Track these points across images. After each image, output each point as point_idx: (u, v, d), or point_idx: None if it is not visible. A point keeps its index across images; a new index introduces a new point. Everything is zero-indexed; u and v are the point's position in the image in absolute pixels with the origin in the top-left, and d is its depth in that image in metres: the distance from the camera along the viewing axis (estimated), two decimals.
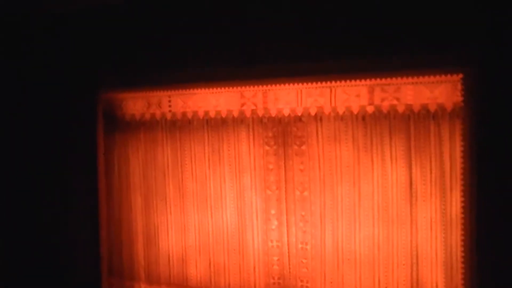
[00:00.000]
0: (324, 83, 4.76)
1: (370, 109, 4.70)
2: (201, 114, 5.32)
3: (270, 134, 5.07)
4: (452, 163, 4.50)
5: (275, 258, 5.14)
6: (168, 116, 5.46)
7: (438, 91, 4.48)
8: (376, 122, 4.70)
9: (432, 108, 4.52)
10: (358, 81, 4.65)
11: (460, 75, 4.28)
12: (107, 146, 5.59)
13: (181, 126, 5.42)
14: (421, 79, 4.48)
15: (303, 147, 4.96)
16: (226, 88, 5.15)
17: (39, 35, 5.37)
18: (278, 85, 4.96)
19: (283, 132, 5.02)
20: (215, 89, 5.19)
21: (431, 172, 4.59)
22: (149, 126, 5.55)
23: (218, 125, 5.27)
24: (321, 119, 4.88)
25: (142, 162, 5.64)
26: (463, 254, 4.28)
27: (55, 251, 5.52)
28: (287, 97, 4.98)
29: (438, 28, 4.07)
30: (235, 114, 5.19)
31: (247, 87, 5.09)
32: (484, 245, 4.06)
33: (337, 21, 4.37)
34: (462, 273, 4.31)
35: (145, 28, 5.03)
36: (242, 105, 5.15)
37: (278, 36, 4.55)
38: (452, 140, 4.49)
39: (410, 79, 4.51)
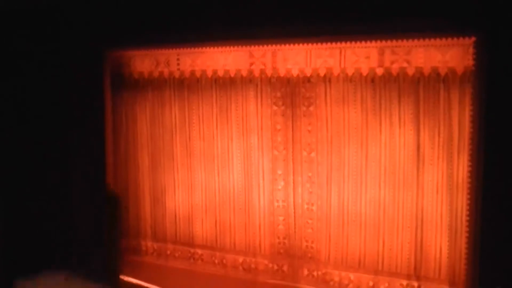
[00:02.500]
0: (333, 44, 4.69)
1: (379, 71, 4.66)
2: (209, 73, 5.30)
3: (279, 95, 5.05)
4: (460, 128, 4.48)
5: (281, 218, 5.17)
6: (177, 74, 5.44)
7: (449, 54, 4.43)
8: (385, 85, 4.67)
9: (443, 71, 4.48)
10: (368, 43, 4.59)
11: (473, 39, 4.21)
12: (115, 105, 5.57)
13: (189, 85, 5.41)
14: (432, 41, 4.42)
15: (311, 108, 4.94)
16: (235, 47, 5.12)
17: None
18: (287, 45, 4.91)
19: (292, 92, 4.99)
20: (224, 48, 5.15)
21: (439, 136, 4.57)
22: (157, 84, 5.54)
23: (226, 84, 5.25)
24: (330, 80, 4.85)
25: (149, 121, 5.65)
26: (468, 218, 4.28)
27: (62, 210, 5.55)
28: (296, 58, 4.94)
29: None
30: (244, 73, 5.16)
31: (256, 47, 5.05)
32: (489, 209, 4.06)
33: None
34: (466, 237, 4.31)
35: None
36: (251, 64, 5.12)
37: None
38: (462, 105, 4.46)
39: (421, 42, 4.45)
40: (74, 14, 5.28)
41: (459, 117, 4.49)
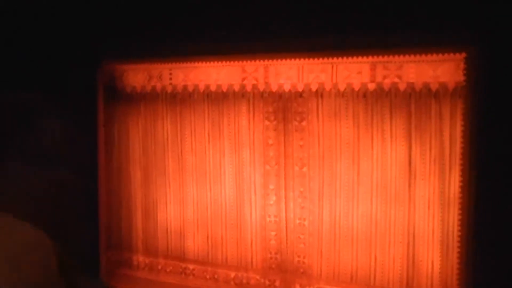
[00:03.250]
0: (325, 59, 4.72)
1: (371, 86, 4.68)
2: (202, 87, 5.30)
3: (271, 109, 5.06)
4: (452, 143, 4.49)
5: (273, 233, 5.16)
6: (169, 89, 5.44)
7: (441, 70, 4.45)
8: (377, 100, 4.68)
9: (434, 87, 4.50)
10: (360, 58, 4.62)
11: (464, 54, 4.25)
12: (107, 118, 5.58)
13: (181, 99, 5.40)
14: (423, 57, 4.45)
15: (303, 123, 4.95)
16: (228, 62, 5.12)
17: (40, 4, 5.33)
18: (279, 60, 4.92)
19: (284, 107, 5.00)
20: (216, 62, 5.15)
21: (430, 151, 4.58)
22: (149, 98, 5.54)
23: (218, 99, 5.25)
24: (322, 95, 4.86)
25: (142, 135, 5.64)
26: (459, 234, 4.29)
27: (53, 224, 5.52)
28: (288, 73, 4.95)
29: (442, 5, 4.03)
30: (236, 88, 5.16)
31: (249, 62, 5.06)
32: (481, 225, 4.07)
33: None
34: (458, 252, 4.33)
35: (144, 3, 5.00)
36: (243, 79, 5.13)
37: (280, 10, 4.51)
38: (453, 120, 4.47)
39: (412, 57, 4.47)
40: (67, 26, 5.30)
41: (451, 132, 4.50)
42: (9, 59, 5.32)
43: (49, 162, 5.43)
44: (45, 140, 5.46)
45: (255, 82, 5.09)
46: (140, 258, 5.78)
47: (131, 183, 5.76)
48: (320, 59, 4.74)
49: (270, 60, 4.97)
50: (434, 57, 4.42)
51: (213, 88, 5.25)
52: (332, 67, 4.79)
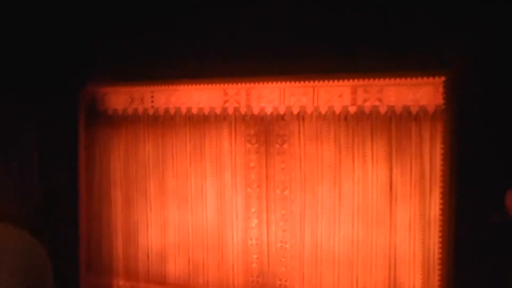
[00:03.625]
0: (307, 83, 4.77)
1: (352, 109, 4.72)
2: (183, 110, 5.30)
3: (252, 132, 5.07)
4: (432, 165, 4.53)
5: (254, 256, 5.13)
6: (151, 111, 5.43)
7: (420, 93, 4.51)
8: (358, 123, 4.72)
9: (414, 110, 4.55)
10: (341, 81, 4.67)
11: (442, 78, 4.31)
12: (89, 141, 5.56)
13: (163, 122, 5.40)
14: (403, 80, 4.52)
15: (285, 146, 4.96)
16: (209, 85, 5.14)
17: (22, 27, 5.31)
18: (261, 83, 4.95)
19: (265, 130, 5.01)
20: (198, 85, 5.18)
21: (411, 174, 4.61)
22: (131, 121, 5.52)
23: (200, 121, 5.25)
24: (303, 118, 4.89)
25: (123, 158, 5.61)
26: (440, 256, 4.31)
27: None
28: (270, 96, 4.98)
29: (421, 31, 4.09)
30: (218, 111, 5.18)
31: (231, 85, 5.08)
32: (461, 247, 4.09)
33: (321, 21, 4.38)
34: (439, 274, 4.34)
35: (129, 23, 5.00)
36: (225, 102, 5.14)
37: (261, 34, 4.55)
38: (433, 142, 4.52)
39: (392, 81, 4.54)
40: (50, 49, 5.29)
41: (431, 155, 4.54)
42: None
43: (28, 183, 5.40)
44: (24, 161, 5.42)
45: (237, 105, 5.10)
46: (120, 282, 5.71)
47: (112, 206, 5.71)
48: (302, 82, 4.78)
49: (251, 83, 5.00)
50: (414, 80, 4.49)
51: (194, 111, 5.26)
52: (314, 90, 4.82)
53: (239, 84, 5.05)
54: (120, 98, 5.57)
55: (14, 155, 5.39)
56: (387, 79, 4.55)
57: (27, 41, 5.31)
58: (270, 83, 4.91)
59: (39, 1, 5.12)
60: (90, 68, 5.29)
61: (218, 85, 5.11)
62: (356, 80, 4.63)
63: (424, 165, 4.57)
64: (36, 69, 5.30)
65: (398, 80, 4.52)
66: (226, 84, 5.09)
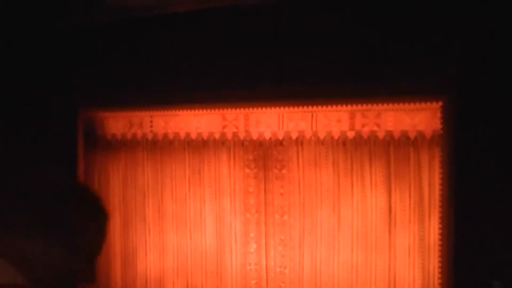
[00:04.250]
0: (305, 108, 4.80)
1: (350, 134, 4.74)
2: (182, 135, 5.32)
3: (251, 157, 5.08)
4: (430, 190, 4.54)
5: (253, 282, 5.11)
6: (150, 136, 5.44)
7: (418, 118, 4.54)
8: (357, 148, 4.74)
9: (412, 135, 4.58)
10: (339, 107, 4.70)
11: (440, 103, 4.33)
12: (87, 165, 5.54)
13: (162, 147, 5.41)
14: (401, 106, 4.54)
15: (284, 171, 4.97)
16: (208, 110, 5.17)
17: (21, 50, 5.34)
18: (260, 108, 4.97)
19: (264, 155, 5.03)
20: (197, 111, 5.20)
21: (410, 198, 4.62)
22: (130, 146, 5.53)
23: (199, 146, 5.26)
24: (302, 143, 4.91)
25: (122, 182, 5.60)
26: (440, 281, 4.29)
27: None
28: (268, 121, 5.01)
29: (418, 56, 4.11)
30: (217, 136, 5.19)
31: (229, 110, 5.10)
32: (460, 272, 4.07)
33: (319, 46, 4.40)
34: None
35: (128, 48, 5.02)
36: (224, 127, 5.16)
37: (259, 59, 4.56)
38: (431, 167, 4.54)
39: (390, 106, 4.57)
40: (49, 73, 5.30)
41: (429, 179, 4.56)
42: None
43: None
44: (23, 187, 5.39)
45: (235, 130, 5.12)
46: None
47: (110, 230, 5.69)
48: (300, 108, 4.81)
49: (250, 108, 5.02)
50: (412, 105, 4.51)
51: (193, 136, 5.27)
52: (312, 115, 4.85)
53: (237, 110, 5.06)
54: (119, 123, 5.58)
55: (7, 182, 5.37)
56: (385, 104, 4.57)
57: (24, 63, 5.34)
58: (268, 108, 4.94)
59: (36, 24, 5.15)
60: (88, 93, 5.29)
61: (216, 110, 5.14)
62: (354, 106, 4.66)
63: (422, 189, 4.58)
64: (34, 94, 5.32)
65: (395, 105, 4.55)
66: (225, 110, 5.11)
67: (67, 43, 5.22)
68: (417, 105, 4.47)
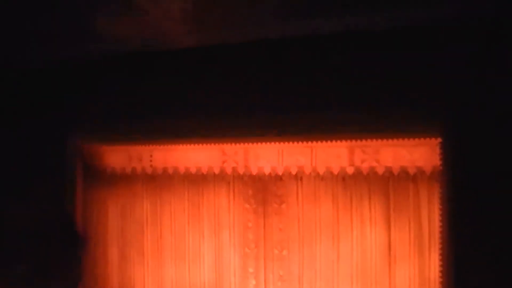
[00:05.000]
0: (305, 143, 4.80)
1: (350, 170, 4.75)
2: (181, 169, 5.31)
3: (250, 192, 5.08)
4: (430, 225, 4.54)
5: None
6: (149, 170, 5.44)
7: (417, 154, 4.55)
8: (356, 183, 4.74)
9: (411, 171, 4.59)
10: (338, 142, 4.70)
11: (439, 139, 4.33)
12: (86, 198, 5.53)
13: (161, 181, 5.41)
14: (400, 141, 4.55)
15: (283, 206, 4.97)
16: (208, 145, 5.17)
17: (19, 84, 5.36)
18: (259, 143, 4.99)
19: (263, 190, 5.03)
20: (196, 145, 5.20)
21: (409, 234, 4.61)
22: (129, 180, 5.52)
23: (198, 181, 5.26)
24: (301, 179, 4.92)
25: (120, 216, 5.59)
26: None
27: None
28: (268, 156, 5.01)
29: (417, 92, 4.13)
30: (216, 170, 5.19)
31: (229, 145, 5.11)
32: None
33: (317, 83, 4.42)
34: None
35: (127, 81, 5.05)
36: (223, 162, 5.17)
37: (259, 94, 4.58)
38: (431, 203, 4.54)
39: (390, 142, 4.57)
40: (47, 107, 5.31)
41: (429, 215, 4.56)
42: None
43: (27, 241, 5.35)
44: (23, 219, 5.38)
45: (235, 165, 5.13)
46: None
47: (108, 264, 5.65)
48: (300, 143, 4.81)
49: (249, 143, 5.03)
50: (411, 141, 4.52)
51: (193, 170, 5.27)
52: (312, 150, 4.86)
53: (237, 144, 5.08)
54: (118, 156, 5.58)
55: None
56: (384, 140, 4.58)
57: (22, 96, 5.35)
58: (268, 143, 4.95)
59: (35, 55, 5.18)
60: (87, 126, 5.30)
61: (216, 145, 5.14)
62: (353, 141, 4.67)
63: (422, 225, 4.58)
64: (31, 124, 5.33)
65: (395, 141, 4.56)
66: (224, 144, 5.12)
67: (66, 76, 5.25)
68: (416, 141, 4.49)
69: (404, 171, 4.60)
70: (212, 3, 4.30)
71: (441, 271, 4.25)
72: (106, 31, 4.60)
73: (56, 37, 4.81)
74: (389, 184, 4.65)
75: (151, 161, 5.43)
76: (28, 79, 5.37)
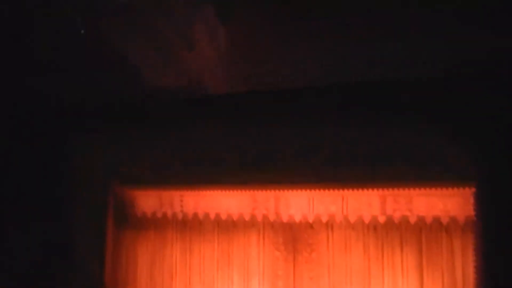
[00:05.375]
0: (336, 191, 4.78)
1: (382, 219, 4.69)
2: (212, 215, 5.30)
3: (281, 240, 5.05)
4: (465, 277, 4.44)
5: None
6: (180, 216, 5.44)
7: (450, 203, 4.48)
8: (388, 233, 4.68)
9: (445, 220, 4.51)
10: (370, 191, 4.67)
11: (473, 189, 4.28)
12: (116, 242, 5.55)
13: (191, 227, 5.40)
14: (433, 191, 4.50)
15: (313, 255, 4.91)
16: (239, 191, 5.17)
17: (55, 127, 5.47)
18: (290, 190, 4.97)
19: (294, 238, 4.99)
20: (227, 191, 5.21)
21: (443, 286, 4.51)
22: (160, 224, 5.53)
23: (229, 227, 5.25)
24: (332, 227, 4.87)
25: (150, 261, 5.57)
26: None
27: None
28: (299, 204, 4.98)
29: (451, 143, 4.11)
30: (246, 217, 5.17)
31: (259, 192, 5.10)
32: None
33: (351, 132, 4.43)
34: None
35: (160, 127, 5.11)
36: (254, 209, 5.15)
37: (291, 143, 4.60)
38: (465, 254, 4.45)
39: (422, 191, 4.53)
40: (82, 151, 5.39)
41: (463, 266, 4.47)
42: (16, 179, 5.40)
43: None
44: (52, 262, 5.41)
45: (265, 212, 5.10)
46: None
47: None
48: (331, 191, 4.79)
49: (281, 191, 5.01)
50: (444, 191, 4.47)
51: (223, 216, 5.25)
52: (343, 199, 4.82)
53: (268, 191, 5.07)
54: (149, 201, 5.60)
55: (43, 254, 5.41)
56: (417, 189, 4.54)
57: (58, 140, 5.44)
58: (299, 190, 4.93)
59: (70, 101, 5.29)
60: (120, 170, 5.36)
61: (247, 191, 5.15)
62: (385, 190, 4.63)
63: (456, 277, 4.48)
64: (66, 169, 5.40)
65: (427, 190, 4.51)
66: (256, 191, 5.12)
67: (99, 120, 5.33)
68: (450, 190, 4.43)
69: (437, 221, 4.53)
70: (247, 52, 4.39)
71: None
72: (147, 81, 4.73)
73: (101, 83, 4.95)
74: (421, 234, 4.58)
75: (181, 206, 5.44)
76: (63, 122, 5.48)
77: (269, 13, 4.13)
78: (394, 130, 4.27)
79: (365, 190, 4.68)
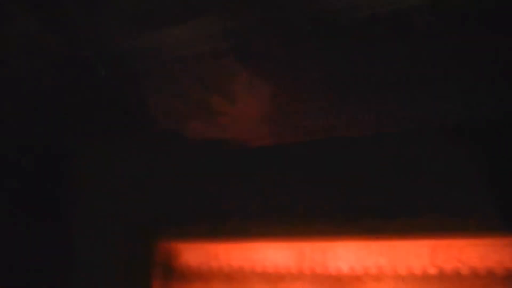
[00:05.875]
0: (384, 242, 4.69)
1: (432, 270, 4.57)
2: (258, 268, 5.25)
3: None
4: None
5: None
6: (226, 269, 5.41)
7: (506, 254, 4.35)
8: (439, 285, 4.55)
9: (499, 272, 4.37)
10: (420, 241, 4.57)
11: None
12: None
13: (238, 280, 5.35)
14: (486, 241, 4.38)
15: None
16: (285, 243, 5.12)
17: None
18: (337, 242, 4.90)
19: None
20: (274, 243, 5.16)
21: None
22: (205, 278, 5.49)
23: (275, 281, 5.17)
24: (381, 279, 4.76)
25: None
26: None
27: None
28: (346, 255, 4.90)
29: (504, 189, 4.04)
30: (293, 270, 5.10)
31: (306, 243, 5.04)
32: None
33: (397, 181, 4.40)
34: None
35: (205, 177, 5.16)
36: (301, 261, 5.09)
37: (337, 194, 4.59)
38: None
39: (475, 241, 4.41)
40: (125, 206, 5.47)
41: None
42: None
43: None
44: None
45: (312, 264, 5.03)
46: None
47: None
48: (379, 242, 4.71)
49: (328, 242, 4.95)
50: (498, 240, 4.34)
51: (270, 269, 5.20)
52: (392, 250, 4.73)
53: (315, 243, 5.01)
54: (195, 254, 5.60)
55: None
56: (468, 239, 4.43)
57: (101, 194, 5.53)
58: (346, 242, 4.86)
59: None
60: (164, 223, 5.41)
61: (294, 243, 5.09)
62: (435, 240, 4.53)
63: None
64: (109, 224, 5.47)
65: (480, 240, 4.39)
66: (302, 243, 5.06)
67: (141, 172, 5.42)
68: (504, 240, 4.30)
69: (491, 273, 4.39)
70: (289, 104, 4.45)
71: None
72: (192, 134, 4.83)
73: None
74: (474, 287, 4.44)
75: (228, 259, 5.41)
76: (103, 177, 5.58)
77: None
78: (444, 178, 4.22)
79: (415, 241, 4.58)
